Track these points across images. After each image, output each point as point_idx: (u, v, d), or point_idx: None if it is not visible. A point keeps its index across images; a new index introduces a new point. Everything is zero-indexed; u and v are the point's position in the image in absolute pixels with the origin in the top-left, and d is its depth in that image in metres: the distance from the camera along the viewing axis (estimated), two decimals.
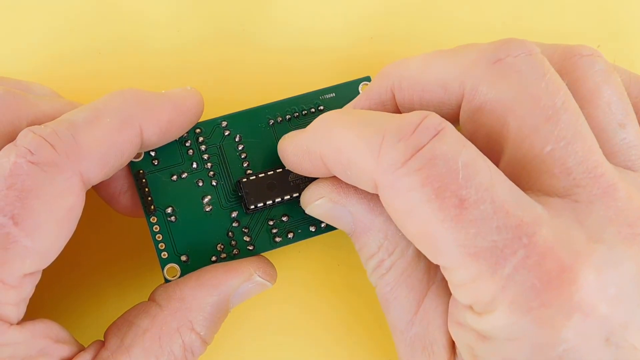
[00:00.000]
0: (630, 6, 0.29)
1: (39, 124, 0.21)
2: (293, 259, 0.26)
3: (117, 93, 0.22)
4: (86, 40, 0.27)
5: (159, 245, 0.23)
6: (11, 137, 0.20)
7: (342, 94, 0.25)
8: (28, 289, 0.20)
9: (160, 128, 0.22)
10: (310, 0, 0.29)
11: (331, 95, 0.25)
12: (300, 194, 0.23)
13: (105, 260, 0.25)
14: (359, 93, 0.25)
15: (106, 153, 0.21)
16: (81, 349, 0.21)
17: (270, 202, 0.23)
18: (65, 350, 0.21)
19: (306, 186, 0.23)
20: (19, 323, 0.20)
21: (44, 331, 0.20)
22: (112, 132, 0.21)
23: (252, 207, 0.23)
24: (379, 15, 0.29)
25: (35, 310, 0.21)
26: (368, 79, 0.26)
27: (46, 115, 0.22)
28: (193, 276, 0.23)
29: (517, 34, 0.28)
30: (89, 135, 0.20)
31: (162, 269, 0.23)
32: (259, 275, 0.23)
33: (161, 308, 0.22)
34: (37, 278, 0.20)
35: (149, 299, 0.22)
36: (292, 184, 0.24)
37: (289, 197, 0.23)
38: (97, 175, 0.21)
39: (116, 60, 0.27)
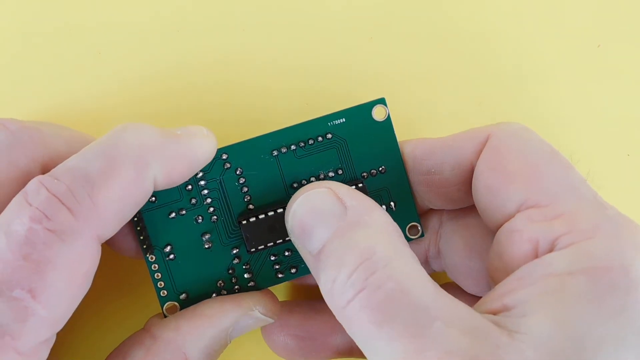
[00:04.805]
0: (630, 6, 0.28)
1: (53, 165, 0.20)
2: None
3: (131, 133, 0.20)
4: (86, 40, 0.26)
5: (158, 283, 0.23)
6: (24, 179, 0.20)
7: (353, 119, 0.23)
8: (44, 354, 0.20)
9: (171, 180, 0.21)
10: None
11: (341, 120, 0.23)
12: None
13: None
14: (371, 117, 0.23)
15: (122, 209, 0.20)
16: None
17: (271, 244, 0.23)
18: None
19: None
20: None
21: None
22: (128, 186, 0.20)
23: (253, 250, 0.22)
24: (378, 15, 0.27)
25: None
26: (382, 101, 0.23)
27: (60, 156, 0.21)
28: (191, 307, 0.22)
29: (518, 33, 0.27)
30: (106, 194, 0.19)
31: (162, 307, 0.23)
32: (259, 311, 0.23)
33: (154, 339, 0.22)
34: (53, 341, 0.20)
35: (143, 328, 0.23)
36: None
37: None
38: (112, 232, 0.20)
39: (116, 61, 0.26)
